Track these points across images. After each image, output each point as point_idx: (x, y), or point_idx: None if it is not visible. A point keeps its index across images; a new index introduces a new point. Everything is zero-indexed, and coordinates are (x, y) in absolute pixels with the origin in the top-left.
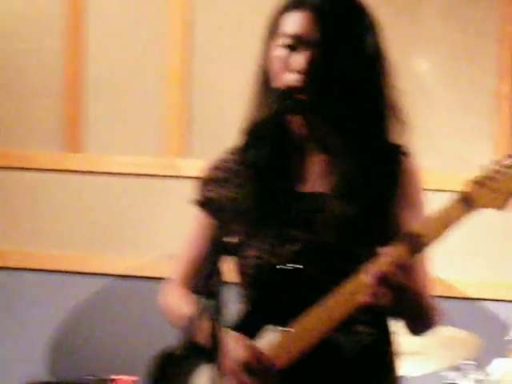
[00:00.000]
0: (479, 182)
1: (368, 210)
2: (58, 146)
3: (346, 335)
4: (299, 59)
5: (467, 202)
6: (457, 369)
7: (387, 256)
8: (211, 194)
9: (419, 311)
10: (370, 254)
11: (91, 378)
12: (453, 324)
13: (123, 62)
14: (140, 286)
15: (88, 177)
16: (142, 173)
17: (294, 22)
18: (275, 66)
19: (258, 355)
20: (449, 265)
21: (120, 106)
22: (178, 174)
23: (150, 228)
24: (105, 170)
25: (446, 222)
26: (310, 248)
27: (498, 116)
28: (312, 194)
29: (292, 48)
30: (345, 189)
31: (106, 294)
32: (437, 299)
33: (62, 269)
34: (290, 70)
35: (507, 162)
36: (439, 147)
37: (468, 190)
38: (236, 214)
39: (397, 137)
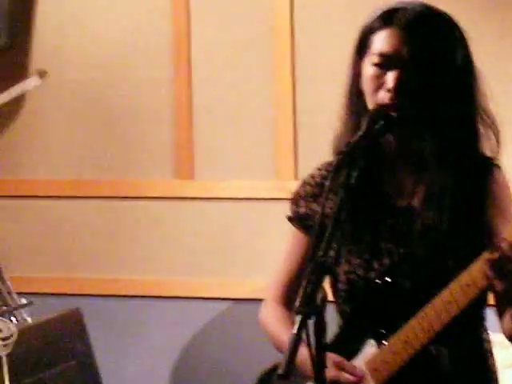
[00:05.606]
0: None
1: (459, 222)
2: (170, 174)
3: (443, 346)
4: (389, 77)
5: None
6: None
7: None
8: (303, 210)
9: None
10: (462, 266)
11: None
12: None
13: (231, 85)
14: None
15: (201, 203)
16: (255, 197)
17: (383, 41)
18: (367, 84)
19: (349, 371)
20: None
21: (230, 131)
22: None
23: (264, 251)
24: (217, 196)
25: None
26: (403, 262)
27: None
28: (404, 208)
29: (382, 66)
30: (435, 201)
31: (225, 319)
32: None
33: (180, 295)
34: (381, 88)
35: None
36: None
37: None
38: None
39: (488, 147)
